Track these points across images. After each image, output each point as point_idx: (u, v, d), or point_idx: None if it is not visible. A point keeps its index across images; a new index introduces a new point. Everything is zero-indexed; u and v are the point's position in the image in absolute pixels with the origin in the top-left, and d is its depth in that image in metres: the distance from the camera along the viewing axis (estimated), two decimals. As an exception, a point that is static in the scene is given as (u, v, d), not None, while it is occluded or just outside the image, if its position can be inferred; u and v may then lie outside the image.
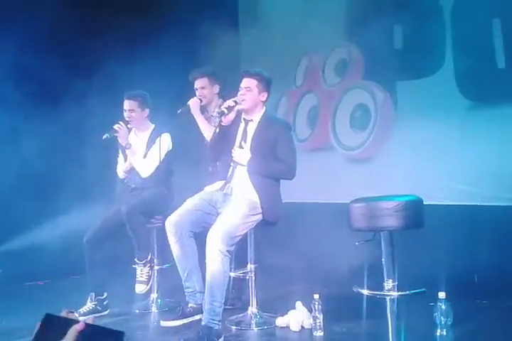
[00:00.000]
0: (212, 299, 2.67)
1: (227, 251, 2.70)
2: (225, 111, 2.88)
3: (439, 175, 3.98)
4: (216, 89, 3.47)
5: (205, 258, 2.70)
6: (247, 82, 2.96)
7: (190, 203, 2.92)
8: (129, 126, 3.50)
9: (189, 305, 2.85)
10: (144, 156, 3.50)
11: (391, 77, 4.43)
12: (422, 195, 2.45)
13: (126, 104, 3.51)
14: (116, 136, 3.44)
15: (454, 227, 3.45)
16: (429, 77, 4.19)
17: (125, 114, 3.50)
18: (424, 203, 2.43)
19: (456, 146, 3.96)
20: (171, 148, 3.54)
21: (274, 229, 3.06)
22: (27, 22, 3.78)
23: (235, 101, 2.92)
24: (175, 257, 2.87)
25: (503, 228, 3.43)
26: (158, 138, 3.50)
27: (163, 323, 2.79)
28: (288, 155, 2.96)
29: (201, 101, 3.43)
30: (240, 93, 2.96)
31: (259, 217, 2.89)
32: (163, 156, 3.49)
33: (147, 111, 3.55)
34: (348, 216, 2.43)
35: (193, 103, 3.40)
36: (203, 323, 2.70)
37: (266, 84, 3.00)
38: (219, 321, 2.71)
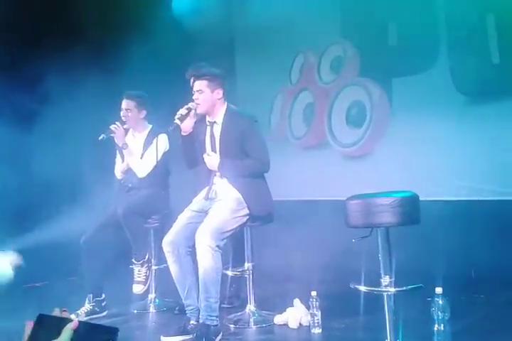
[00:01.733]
0: (207, 295, 2.67)
1: (217, 246, 2.69)
2: (178, 122, 2.85)
3: (434, 171, 3.99)
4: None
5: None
6: (197, 85, 2.91)
7: (181, 219, 2.91)
8: (125, 126, 3.50)
9: (191, 322, 2.82)
10: (141, 157, 3.49)
11: (386, 74, 4.44)
12: (418, 191, 2.45)
13: (124, 103, 3.51)
14: (113, 137, 3.43)
15: (450, 223, 3.46)
16: (424, 73, 4.19)
17: (122, 113, 3.50)
18: (420, 199, 2.42)
19: (452, 142, 3.96)
20: (168, 148, 3.53)
21: (270, 226, 3.05)
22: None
23: (188, 109, 2.88)
24: (174, 276, 2.85)
25: (499, 222, 3.43)
26: (155, 139, 3.49)
27: (164, 339, 2.78)
28: (257, 150, 2.92)
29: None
30: (193, 97, 2.92)
31: (247, 211, 2.88)
32: (160, 157, 3.48)
33: (144, 112, 3.55)
34: (344, 213, 2.43)
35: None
36: (200, 321, 2.70)
37: (218, 81, 2.93)
38: (216, 317, 2.71)
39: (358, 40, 4.65)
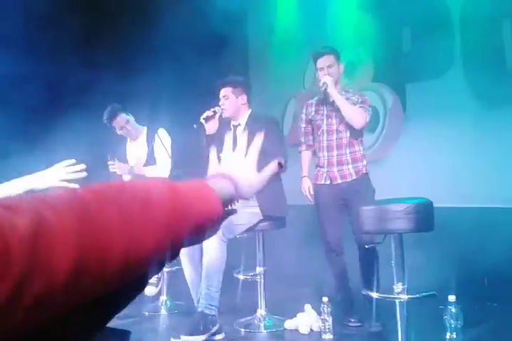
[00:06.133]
0: (208, 284, 2.71)
1: (226, 237, 2.76)
2: (203, 121, 3.00)
3: (449, 177, 3.96)
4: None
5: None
6: (223, 92, 3.09)
7: None
8: (118, 130, 3.50)
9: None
10: (147, 156, 3.47)
11: (400, 79, 4.42)
12: (431, 198, 2.43)
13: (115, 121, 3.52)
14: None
15: (463, 230, 3.43)
16: (438, 78, 4.17)
17: (117, 127, 3.52)
18: (434, 206, 2.41)
19: (467, 147, 3.93)
20: (170, 140, 3.53)
21: (282, 230, 3.05)
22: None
23: (214, 111, 3.03)
24: (187, 278, 2.89)
25: (514, 230, 3.39)
26: (156, 135, 3.49)
27: (184, 337, 2.80)
28: (274, 149, 2.94)
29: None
30: (220, 103, 3.08)
31: (258, 210, 2.91)
32: (169, 150, 3.46)
33: (131, 119, 3.55)
34: (357, 219, 2.42)
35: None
36: (199, 309, 2.73)
37: (242, 87, 3.10)
38: (215, 307, 2.73)
39: (371, 45, 4.65)
